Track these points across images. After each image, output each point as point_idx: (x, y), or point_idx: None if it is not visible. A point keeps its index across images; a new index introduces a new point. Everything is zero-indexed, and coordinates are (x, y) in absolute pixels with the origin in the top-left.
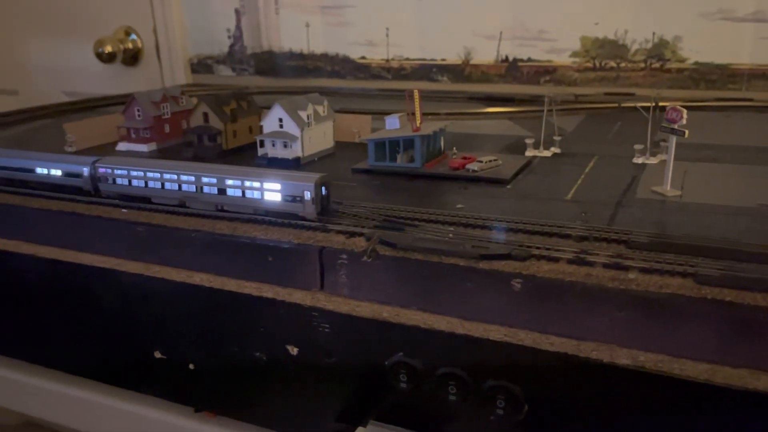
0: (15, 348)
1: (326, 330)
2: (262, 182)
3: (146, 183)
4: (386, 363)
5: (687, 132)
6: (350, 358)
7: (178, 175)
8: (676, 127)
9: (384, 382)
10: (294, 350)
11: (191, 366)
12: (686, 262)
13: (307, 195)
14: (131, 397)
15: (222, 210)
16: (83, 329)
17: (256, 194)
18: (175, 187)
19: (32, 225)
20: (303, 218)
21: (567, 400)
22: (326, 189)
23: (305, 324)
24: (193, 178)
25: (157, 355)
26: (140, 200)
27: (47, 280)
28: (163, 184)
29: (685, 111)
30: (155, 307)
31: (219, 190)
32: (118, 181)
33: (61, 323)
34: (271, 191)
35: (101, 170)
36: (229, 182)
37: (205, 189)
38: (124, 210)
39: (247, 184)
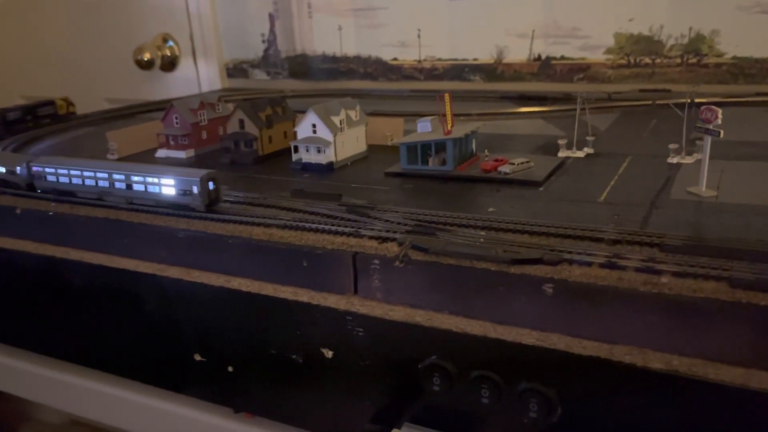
0: (63, 349)
1: (360, 333)
2: (159, 178)
3: (70, 180)
4: (420, 366)
5: (722, 132)
6: (384, 361)
7: (95, 172)
8: (710, 127)
9: (418, 384)
10: (329, 353)
11: (230, 368)
12: (720, 265)
13: (195, 189)
14: (173, 398)
15: (132, 203)
16: (128, 332)
17: (156, 188)
18: (93, 183)
19: (79, 232)
20: (194, 210)
21: (600, 404)
22: (214, 184)
23: (340, 327)
24: (106, 175)
25: (197, 357)
26: (68, 195)
27: (95, 285)
28: (83, 181)
29: (719, 111)
30: (195, 311)
31: (127, 185)
32: (48, 178)
33: (107, 326)
34: (167, 186)
35: (34, 168)
36: (135, 178)
37: (117, 185)
38: (53, 203)
39: (149, 179)
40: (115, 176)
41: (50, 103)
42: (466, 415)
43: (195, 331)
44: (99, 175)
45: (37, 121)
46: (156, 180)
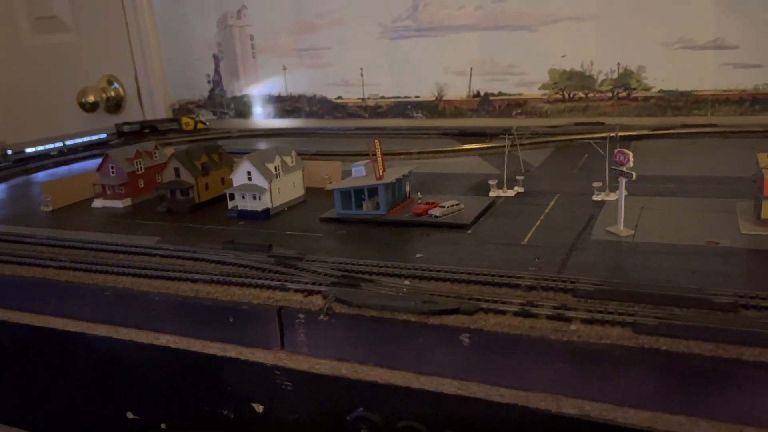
0: None
1: (289, 388)
2: None
3: None
4: (348, 418)
5: (634, 174)
6: (313, 414)
7: None
8: (624, 169)
9: None
10: (260, 408)
11: (163, 426)
12: (626, 311)
13: None
14: None
15: None
16: (60, 391)
17: None
18: None
19: (4, 291)
20: None
21: None
22: None
23: (268, 382)
24: None
25: (130, 415)
26: None
27: (21, 344)
28: None
29: (631, 154)
30: (125, 368)
31: None
32: None
33: (37, 386)
34: None
35: None
36: None
37: None
38: None
39: None
40: None
41: (173, 120)
42: None
43: (126, 388)
44: None
45: (158, 136)
46: None
